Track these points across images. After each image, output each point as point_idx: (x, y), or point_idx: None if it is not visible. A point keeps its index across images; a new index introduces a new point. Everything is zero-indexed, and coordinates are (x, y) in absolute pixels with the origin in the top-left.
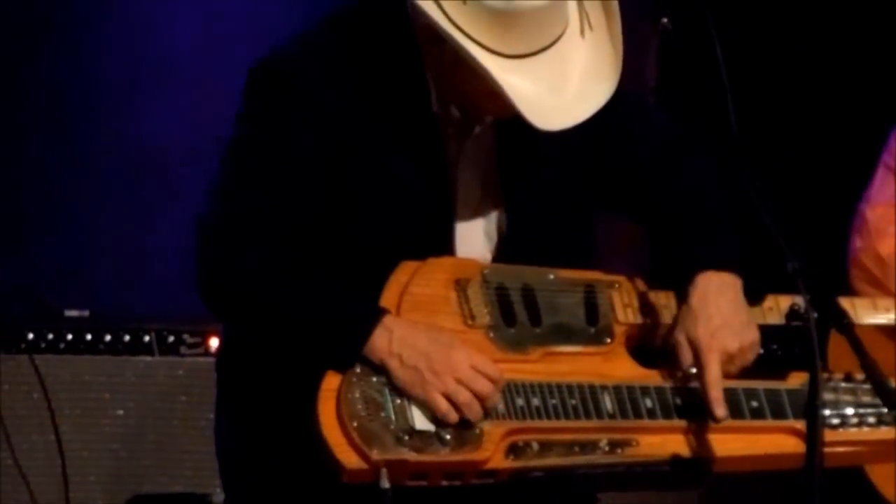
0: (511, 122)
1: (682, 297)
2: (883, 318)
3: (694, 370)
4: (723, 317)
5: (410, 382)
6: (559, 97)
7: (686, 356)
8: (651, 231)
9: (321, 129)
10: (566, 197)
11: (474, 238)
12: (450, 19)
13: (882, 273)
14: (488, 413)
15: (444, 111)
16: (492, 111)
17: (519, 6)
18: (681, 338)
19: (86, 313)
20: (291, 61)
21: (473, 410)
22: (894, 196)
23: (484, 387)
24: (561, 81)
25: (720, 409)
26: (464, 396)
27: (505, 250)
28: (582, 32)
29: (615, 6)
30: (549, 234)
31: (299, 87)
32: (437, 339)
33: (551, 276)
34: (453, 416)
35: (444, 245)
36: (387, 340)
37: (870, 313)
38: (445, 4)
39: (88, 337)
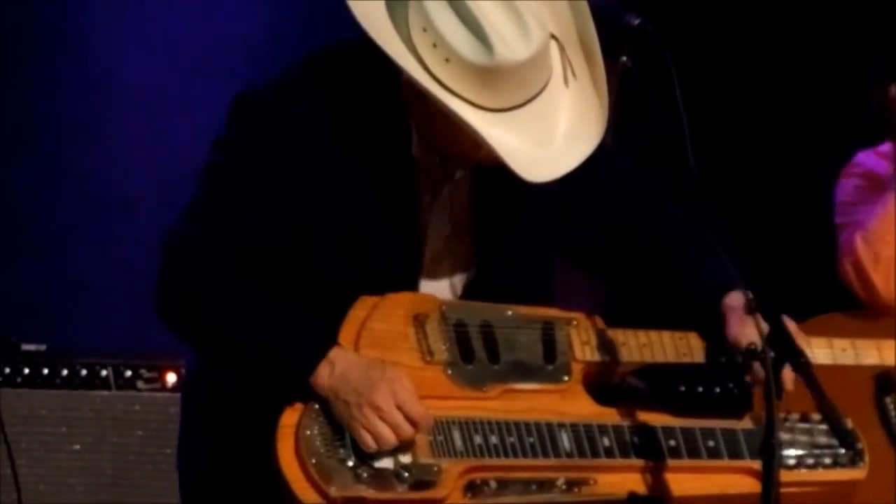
0: (489, 169)
1: (714, 321)
2: (839, 358)
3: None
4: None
5: (341, 416)
6: (545, 148)
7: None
8: (637, 282)
9: (297, 163)
10: (534, 244)
11: (440, 284)
12: (433, 77)
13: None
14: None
15: (423, 155)
16: (477, 159)
17: (502, 62)
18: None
19: (43, 347)
20: (274, 94)
21: (392, 444)
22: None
23: (405, 431)
24: (547, 132)
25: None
26: (385, 436)
27: (468, 295)
28: (566, 81)
29: (598, 54)
30: (514, 281)
31: (279, 120)
32: (369, 375)
33: (509, 313)
34: (375, 448)
35: (407, 285)
36: (328, 374)
37: (825, 353)
38: (428, 62)
39: (45, 371)
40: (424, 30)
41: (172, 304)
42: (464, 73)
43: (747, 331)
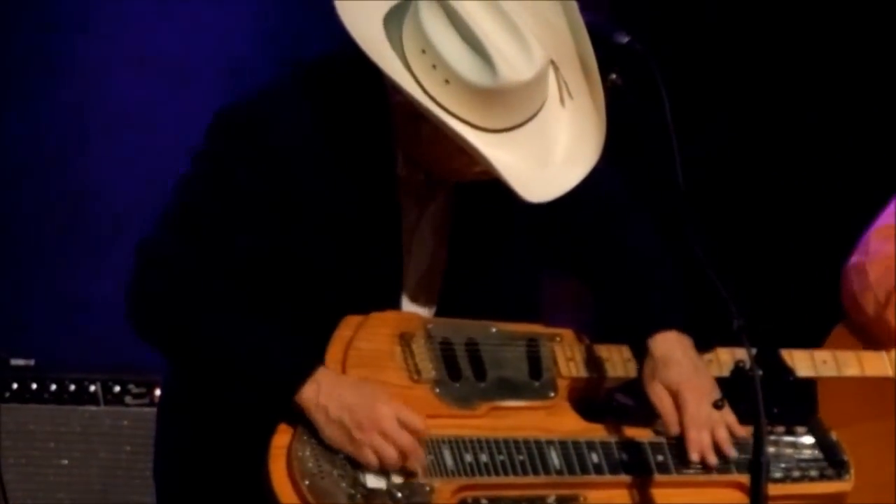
0: (469, 186)
1: (641, 353)
2: (820, 370)
3: (674, 427)
4: (690, 367)
5: (338, 438)
6: (545, 168)
7: (665, 401)
8: (595, 289)
9: (278, 178)
10: (515, 258)
11: (422, 301)
12: (431, 97)
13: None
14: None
15: (408, 174)
16: (469, 177)
17: (505, 83)
18: (655, 386)
19: (31, 362)
20: (257, 109)
21: (398, 466)
22: None
23: (408, 443)
24: (545, 152)
25: (695, 453)
26: (389, 452)
27: (449, 310)
28: (562, 101)
29: (595, 73)
30: (496, 295)
31: (261, 135)
32: (362, 393)
33: (494, 330)
34: (378, 467)
35: (390, 303)
36: (314, 393)
37: (807, 365)
38: (426, 84)
39: (34, 386)
40: (423, 52)
41: (147, 312)
42: (464, 95)
43: (660, 372)
